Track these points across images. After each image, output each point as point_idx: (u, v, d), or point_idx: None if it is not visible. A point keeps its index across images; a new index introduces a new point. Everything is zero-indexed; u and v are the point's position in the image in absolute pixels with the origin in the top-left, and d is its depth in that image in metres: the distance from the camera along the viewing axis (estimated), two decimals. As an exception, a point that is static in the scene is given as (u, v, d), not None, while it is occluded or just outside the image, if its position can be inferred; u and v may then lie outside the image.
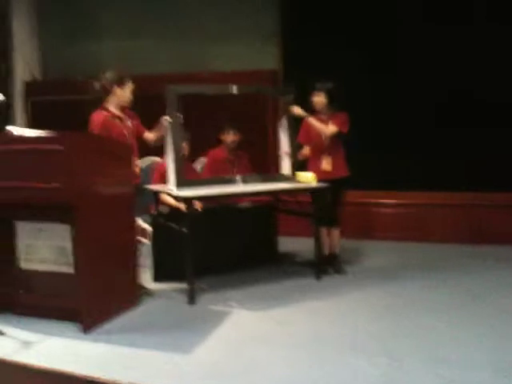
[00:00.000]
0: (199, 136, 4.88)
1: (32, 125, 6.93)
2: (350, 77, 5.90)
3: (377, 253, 5.37)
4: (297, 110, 4.51)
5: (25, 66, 7.03)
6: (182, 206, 4.14)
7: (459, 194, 5.83)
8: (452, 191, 5.86)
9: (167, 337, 3.33)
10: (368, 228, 6.00)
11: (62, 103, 6.69)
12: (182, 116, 4.04)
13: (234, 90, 4.18)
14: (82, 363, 2.96)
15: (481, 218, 5.67)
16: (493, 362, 2.90)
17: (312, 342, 3.24)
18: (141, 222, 4.72)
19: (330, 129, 4.52)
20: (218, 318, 3.63)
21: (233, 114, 5.60)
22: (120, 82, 3.99)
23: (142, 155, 4.80)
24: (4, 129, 3.66)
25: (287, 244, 5.29)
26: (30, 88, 7.12)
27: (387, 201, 6.07)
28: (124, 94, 4.01)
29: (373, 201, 6.11)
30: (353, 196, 5.96)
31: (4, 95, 6.53)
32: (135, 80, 6.06)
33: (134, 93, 4.08)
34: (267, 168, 5.65)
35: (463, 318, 3.55)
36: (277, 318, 3.65)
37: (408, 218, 5.92)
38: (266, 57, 6.59)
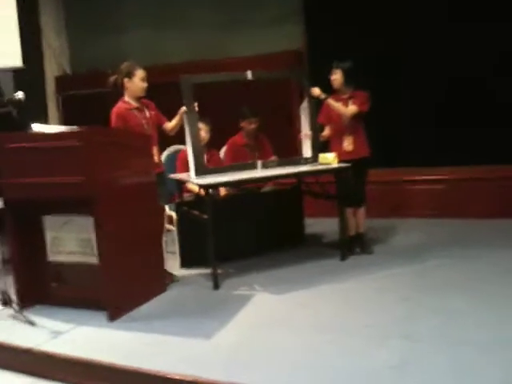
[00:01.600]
0: (226, 124, 4.92)
1: (64, 119, 7.14)
2: (377, 54, 5.85)
3: (406, 231, 5.30)
4: (316, 92, 4.48)
5: (55, 61, 7.21)
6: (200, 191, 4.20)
7: (490, 168, 5.69)
8: (483, 165, 5.72)
9: (191, 323, 3.40)
10: (399, 206, 5.92)
11: (92, 96, 6.81)
12: (197, 104, 4.08)
13: (249, 76, 4.19)
14: (107, 351, 3.07)
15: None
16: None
17: (333, 325, 3.25)
18: (168, 210, 4.83)
19: (350, 109, 4.48)
20: (241, 302, 3.68)
21: (257, 99, 5.60)
22: (128, 74, 4.05)
23: (166, 144, 4.90)
24: (28, 126, 3.78)
25: (314, 226, 5.30)
26: (61, 83, 7.30)
27: (417, 177, 5.96)
28: (134, 84, 4.06)
29: (403, 178, 6.01)
30: (382, 174, 5.95)
31: (36, 91, 6.77)
32: (162, 69, 6.22)
33: (147, 80, 4.10)
34: (293, 151, 5.64)
35: (489, 298, 3.47)
36: (300, 300, 3.68)
37: (439, 194, 5.81)
38: (290, 38, 6.53)
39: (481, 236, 4.96)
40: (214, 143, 5.03)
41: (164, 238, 4.94)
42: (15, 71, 6.28)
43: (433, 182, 5.90)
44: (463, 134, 5.77)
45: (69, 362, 3.01)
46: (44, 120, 6.66)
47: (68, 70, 7.43)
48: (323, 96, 4.47)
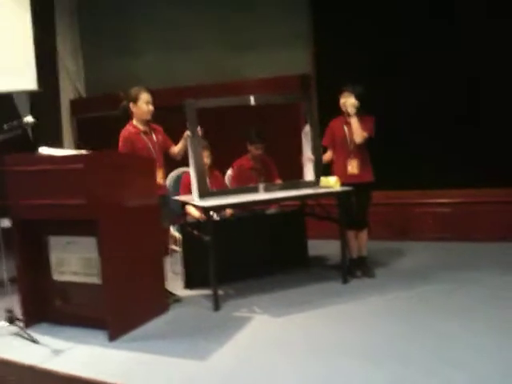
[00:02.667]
0: (234, 145, 5.01)
1: (79, 141, 7.32)
2: (383, 78, 5.92)
3: (412, 254, 5.31)
4: (352, 105, 4.49)
5: (70, 84, 7.41)
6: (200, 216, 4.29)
7: (499, 191, 5.68)
8: (491, 188, 5.72)
9: (189, 343, 3.46)
10: (405, 229, 5.94)
11: (106, 119, 6.98)
12: (201, 128, 4.18)
13: (252, 100, 4.28)
14: (105, 370, 3.14)
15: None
16: (508, 370, 2.82)
17: (330, 347, 3.28)
18: (173, 231, 4.91)
19: (363, 134, 4.51)
20: (241, 324, 3.73)
21: (266, 121, 5.69)
22: (133, 99, 4.18)
23: (174, 166, 5.01)
24: (36, 149, 3.91)
25: (319, 248, 5.33)
26: (76, 105, 7.50)
27: (424, 200, 5.98)
28: (139, 108, 4.18)
29: (410, 201, 6.03)
30: (389, 196, 5.98)
31: (51, 113, 6.96)
32: (175, 92, 6.36)
33: (152, 103, 4.21)
34: (301, 174, 5.70)
35: (486, 323, 3.47)
36: (299, 323, 3.72)
37: (446, 217, 5.82)
38: (300, 61, 6.65)
39: (487, 260, 4.94)
40: (221, 164, 5.13)
41: (169, 259, 5.04)
42: (31, 94, 6.48)
43: (440, 205, 5.90)
44: (471, 157, 5.80)
45: (67, 380, 3.08)
46: (58, 142, 6.83)
47: (83, 93, 7.61)
48: (354, 111, 4.49)
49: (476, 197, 5.75)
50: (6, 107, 6.42)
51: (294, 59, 6.62)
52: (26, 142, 5.41)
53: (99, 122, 7.14)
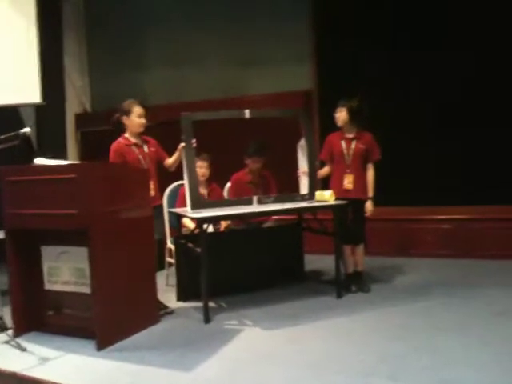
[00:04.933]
0: (235, 160, 5.02)
1: (81, 154, 7.39)
2: (386, 94, 5.94)
3: (411, 270, 5.27)
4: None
5: (77, 99, 7.51)
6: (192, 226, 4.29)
7: (500, 208, 5.66)
8: (493, 204, 5.69)
9: (176, 355, 3.43)
10: (405, 245, 5.90)
11: (108, 133, 7.06)
12: (195, 140, 4.20)
13: (247, 114, 4.30)
14: (90, 379, 3.13)
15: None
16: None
17: (319, 362, 3.24)
18: (169, 243, 4.92)
19: (372, 175, 4.65)
20: (230, 337, 3.70)
21: (268, 135, 5.69)
22: (126, 112, 4.21)
23: (169, 179, 5.02)
24: (32, 160, 3.95)
25: (316, 262, 5.31)
26: (80, 119, 7.59)
27: (425, 216, 5.94)
28: (131, 121, 4.22)
29: (411, 217, 6.00)
30: (390, 212, 5.95)
31: (57, 127, 7.04)
32: (180, 107, 6.40)
33: (145, 116, 4.24)
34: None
35: (483, 340, 3.41)
36: (290, 336, 3.68)
37: (447, 233, 5.78)
38: (303, 77, 6.70)
39: (486, 277, 4.90)
40: (221, 177, 5.14)
41: (165, 271, 5.05)
42: (37, 107, 6.57)
43: (440, 222, 5.86)
44: (472, 174, 5.78)
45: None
46: (62, 155, 6.90)
47: (88, 108, 7.71)
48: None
49: (476, 214, 5.72)
50: (12, 120, 6.51)
51: (298, 76, 6.68)
52: (30, 154, 5.47)
53: (102, 135, 7.21)
